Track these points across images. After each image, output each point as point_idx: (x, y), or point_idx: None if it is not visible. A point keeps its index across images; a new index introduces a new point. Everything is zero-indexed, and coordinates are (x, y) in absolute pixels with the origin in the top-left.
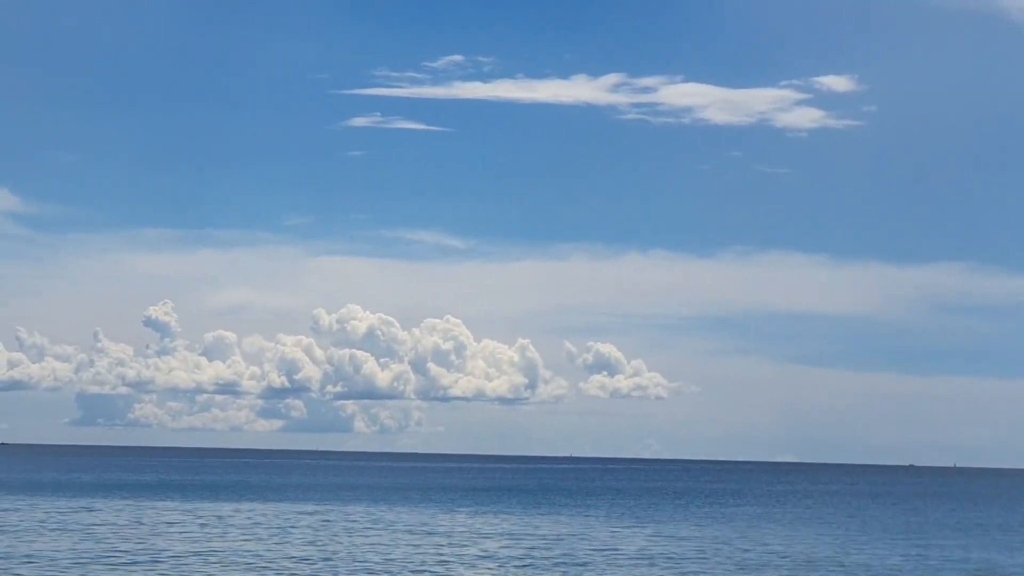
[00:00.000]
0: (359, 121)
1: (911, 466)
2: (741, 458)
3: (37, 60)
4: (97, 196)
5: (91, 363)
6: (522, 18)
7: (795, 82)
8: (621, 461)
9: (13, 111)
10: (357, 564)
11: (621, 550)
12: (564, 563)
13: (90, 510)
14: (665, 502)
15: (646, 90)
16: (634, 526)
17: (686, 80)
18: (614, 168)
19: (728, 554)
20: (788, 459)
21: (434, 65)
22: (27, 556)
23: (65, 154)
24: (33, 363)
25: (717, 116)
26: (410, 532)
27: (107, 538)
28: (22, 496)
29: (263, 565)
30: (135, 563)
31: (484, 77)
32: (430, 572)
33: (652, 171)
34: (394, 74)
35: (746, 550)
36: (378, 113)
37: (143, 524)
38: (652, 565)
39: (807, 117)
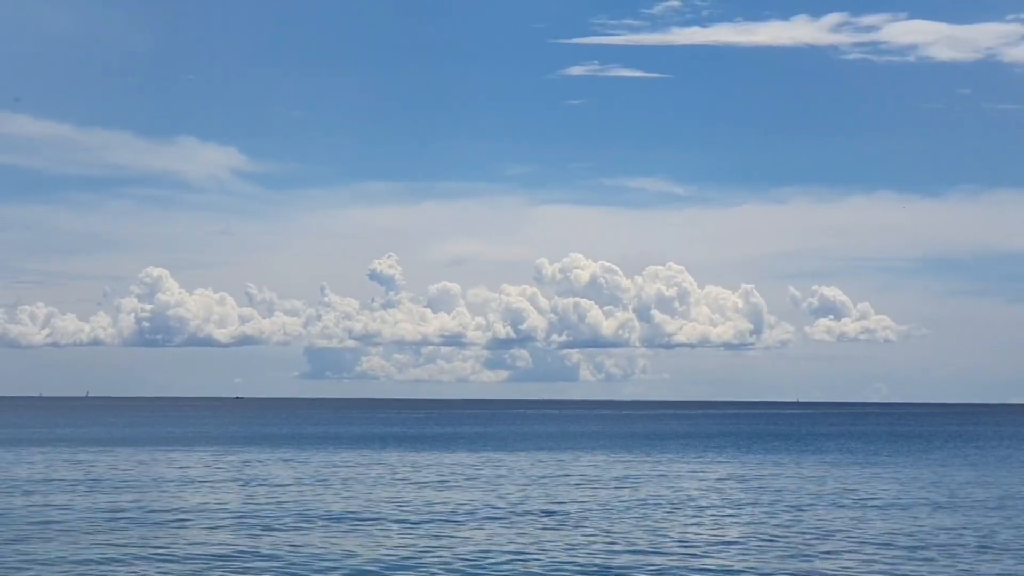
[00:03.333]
0: (577, 70)
1: None
2: (975, 400)
3: (263, 21)
4: (323, 152)
5: (318, 317)
6: None
7: (1022, 15)
8: (850, 405)
9: (239, 71)
10: (611, 512)
11: (871, 495)
12: (819, 507)
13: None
14: (908, 446)
15: (869, 28)
16: (882, 470)
17: (910, 17)
18: (837, 109)
19: (979, 497)
20: None
21: (651, 11)
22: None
23: (291, 111)
24: (264, 318)
25: (943, 53)
26: (658, 477)
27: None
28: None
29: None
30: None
31: (702, 22)
32: (682, 519)
33: (876, 111)
34: (611, 22)
35: (1002, 496)
36: (596, 61)
37: (412, 478)
38: (913, 512)
39: None
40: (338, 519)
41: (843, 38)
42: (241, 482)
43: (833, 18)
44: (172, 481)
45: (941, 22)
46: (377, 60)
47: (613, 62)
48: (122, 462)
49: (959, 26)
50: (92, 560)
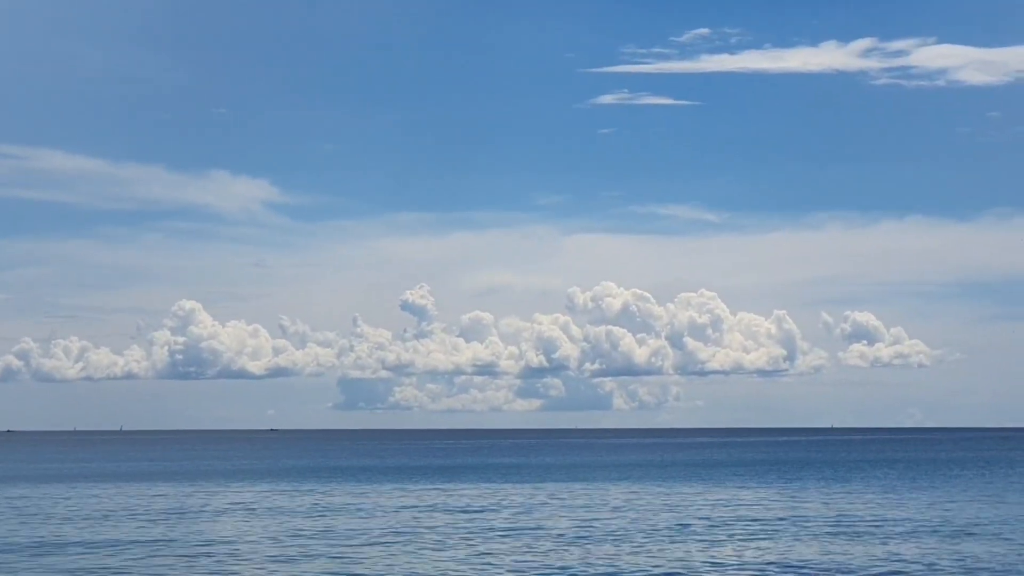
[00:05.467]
0: (607, 98)
1: None
2: (1009, 425)
3: (293, 55)
4: (354, 184)
5: (351, 348)
6: None
7: None
8: (885, 431)
9: (270, 104)
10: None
11: (918, 522)
12: (870, 534)
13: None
14: (948, 472)
15: (898, 53)
16: (922, 497)
17: (939, 41)
18: (867, 135)
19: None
20: None
21: (681, 40)
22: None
23: (322, 144)
24: (297, 350)
25: (973, 77)
26: (698, 506)
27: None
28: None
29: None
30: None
31: (731, 49)
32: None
33: (906, 136)
34: (641, 50)
35: None
36: (626, 90)
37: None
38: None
39: None
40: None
41: (872, 63)
42: (272, 519)
43: (862, 43)
44: (206, 519)
45: (970, 46)
46: (407, 91)
47: (643, 90)
48: (159, 498)
49: (988, 49)
50: None
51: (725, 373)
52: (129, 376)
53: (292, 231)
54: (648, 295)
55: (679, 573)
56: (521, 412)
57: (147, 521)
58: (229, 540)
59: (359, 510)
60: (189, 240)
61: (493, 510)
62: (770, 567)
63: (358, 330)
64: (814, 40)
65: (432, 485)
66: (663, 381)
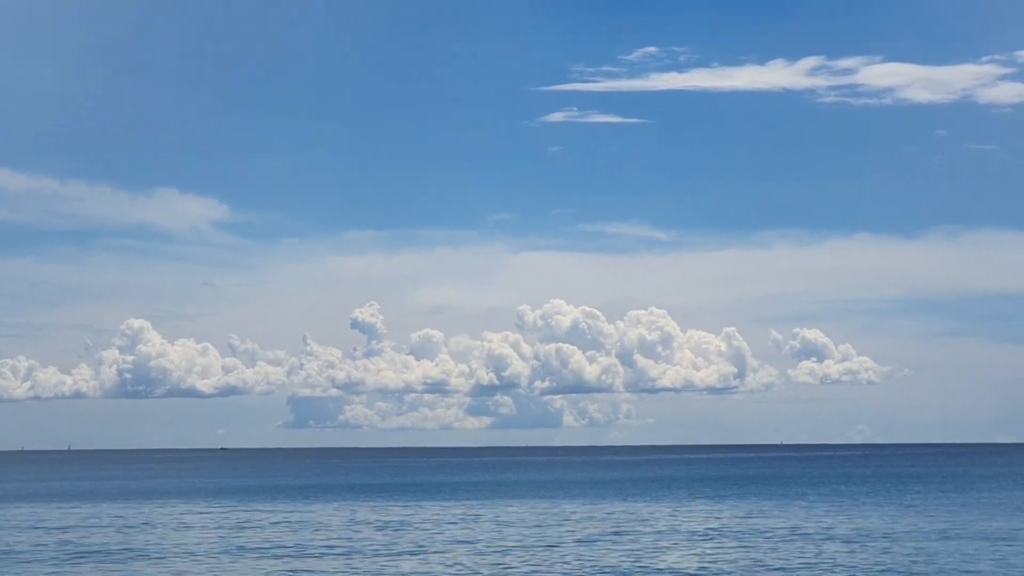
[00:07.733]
0: (556, 116)
1: None
2: (958, 440)
3: (240, 70)
4: (303, 201)
5: (301, 367)
6: (716, 6)
7: (997, 57)
8: (833, 447)
9: (219, 121)
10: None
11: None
12: (827, 550)
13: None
14: (896, 487)
15: (845, 72)
16: (882, 512)
17: (886, 60)
18: (814, 153)
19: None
20: (1008, 440)
21: (629, 58)
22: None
23: (271, 161)
24: (246, 368)
25: (919, 95)
26: (662, 527)
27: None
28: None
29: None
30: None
31: (680, 67)
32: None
33: (854, 154)
34: (589, 69)
35: (1001, 539)
36: (575, 108)
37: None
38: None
39: (1011, 92)
40: None
41: (820, 81)
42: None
43: (809, 62)
44: (151, 537)
45: (917, 64)
46: (356, 109)
47: (592, 108)
48: (111, 519)
49: (935, 68)
50: None
51: (676, 390)
52: (77, 395)
53: (241, 249)
54: (598, 313)
55: None
56: (472, 430)
57: (86, 537)
58: (174, 556)
59: (311, 527)
60: (137, 258)
61: (445, 529)
62: None
63: (308, 348)
64: (762, 59)
65: (392, 501)
66: (613, 399)
